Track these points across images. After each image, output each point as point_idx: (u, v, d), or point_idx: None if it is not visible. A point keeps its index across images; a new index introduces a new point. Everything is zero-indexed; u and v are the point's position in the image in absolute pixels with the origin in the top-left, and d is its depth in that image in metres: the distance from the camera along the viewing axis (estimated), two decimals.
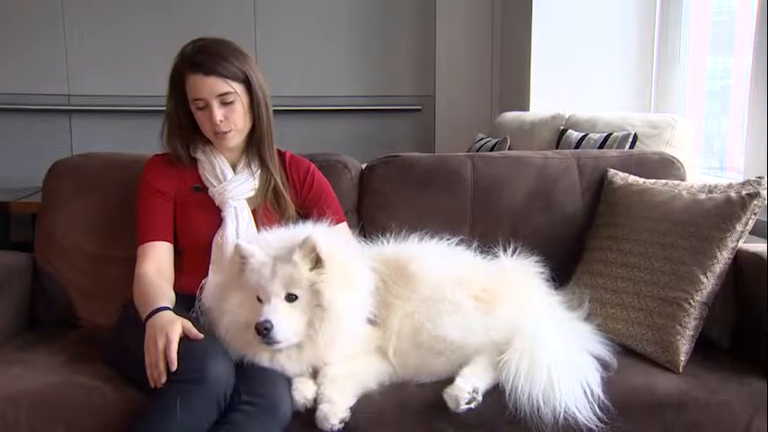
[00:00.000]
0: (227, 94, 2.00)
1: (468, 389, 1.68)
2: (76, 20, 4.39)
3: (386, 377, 1.80)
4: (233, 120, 2.03)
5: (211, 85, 1.99)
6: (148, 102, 4.09)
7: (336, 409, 1.66)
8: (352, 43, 4.63)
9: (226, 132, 2.03)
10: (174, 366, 1.65)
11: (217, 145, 2.09)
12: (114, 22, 4.41)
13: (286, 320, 1.69)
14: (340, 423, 1.66)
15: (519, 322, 1.79)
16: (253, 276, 1.74)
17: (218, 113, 2.00)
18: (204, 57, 2.00)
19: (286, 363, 1.74)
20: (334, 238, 1.86)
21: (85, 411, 1.74)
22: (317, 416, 1.66)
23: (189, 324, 1.74)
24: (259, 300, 1.74)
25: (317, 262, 1.73)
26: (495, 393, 1.69)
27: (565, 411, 1.66)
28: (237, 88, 2.02)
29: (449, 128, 4.56)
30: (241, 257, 1.77)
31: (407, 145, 4.53)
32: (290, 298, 1.72)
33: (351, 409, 1.69)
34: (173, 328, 1.70)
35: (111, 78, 4.41)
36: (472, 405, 1.67)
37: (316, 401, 1.70)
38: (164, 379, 1.65)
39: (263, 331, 1.67)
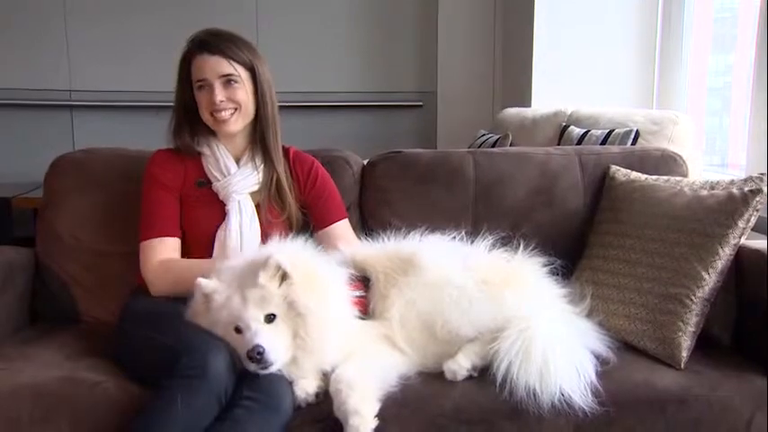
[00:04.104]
0: (230, 75, 2.01)
1: (467, 366, 1.76)
2: (78, 15, 4.38)
3: (405, 369, 1.78)
4: (236, 99, 2.03)
5: (215, 64, 2.00)
6: (150, 97, 4.09)
7: (366, 421, 1.61)
8: (353, 39, 4.62)
9: (231, 114, 2.03)
10: None
11: (216, 130, 2.09)
12: (116, 18, 4.40)
13: (273, 341, 1.66)
14: None
15: (522, 309, 1.81)
16: (223, 311, 1.70)
17: (220, 94, 2.01)
18: (211, 38, 2.03)
19: (293, 374, 1.72)
20: (292, 249, 1.83)
21: (88, 406, 1.74)
22: (348, 431, 1.60)
23: None
24: (237, 331, 1.69)
25: (284, 277, 1.71)
26: (495, 388, 1.69)
27: (560, 393, 1.66)
28: (242, 74, 2.03)
29: (450, 124, 4.56)
30: (204, 296, 1.73)
31: (409, 141, 4.53)
32: (269, 318, 1.68)
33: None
34: None
35: (113, 74, 4.41)
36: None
37: (317, 396, 1.70)
38: None
39: (257, 356, 1.63)
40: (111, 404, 1.74)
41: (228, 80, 2.02)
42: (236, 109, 2.04)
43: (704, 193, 2.01)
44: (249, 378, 1.67)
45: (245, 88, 2.04)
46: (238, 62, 2.02)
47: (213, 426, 1.62)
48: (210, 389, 1.62)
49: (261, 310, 1.68)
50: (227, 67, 2.01)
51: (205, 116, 2.06)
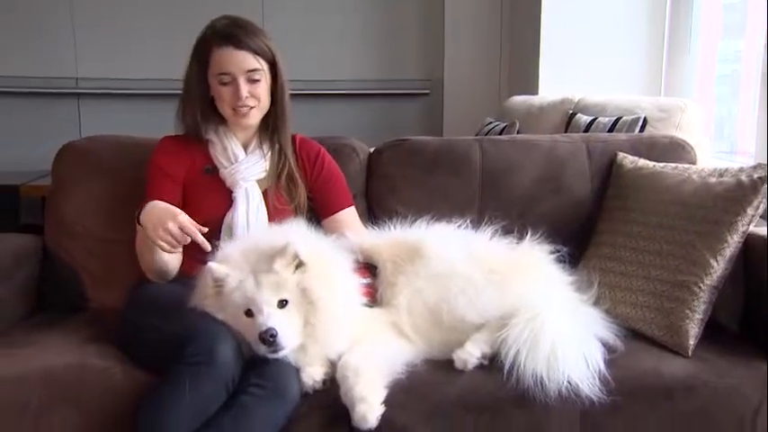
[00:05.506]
0: (255, 70, 2.01)
1: (477, 354, 1.75)
2: (84, 3, 4.38)
3: (411, 356, 1.78)
4: (258, 96, 2.03)
5: (241, 60, 1.99)
6: (157, 85, 4.10)
7: (373, 407, 1.61)
8: (359, 27, 4.61)
9: (250, 108, 2.03)
10: (209, 247, 1.77)
11: (233, 122, 2.09)
12: (122, 5, 4.40)
13: (285, 325, 1.66)
14: (377, 420, 1.62)
15: (529, 297, 1.81)
16: (236, 294, 1.69)
17: (245, 89, 2.01)
18: (237, 30, 2.01)
19: (301, 361, 1.73)
20: (307, 236, 1.83)
21: (96, 392, 1.75)
22: (354, 417, 1.60)
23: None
24: (248, 315, 1.69)
25: (299, 265, 1.71)
26: (501, 375, 1.69)
27: (568, 382, 1.66)
28: (265, 67, 2.03)
29: (457, 112, 4.55)
30: (215, 280, 1.72)
31: (415, 129, 4.52)
32: (282, 304, 1.68)
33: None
34: (175, 212, 1.81)
35: (120, 62, 4.41)
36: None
37: (324, 383, 1.71)
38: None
39: (270, 339, 1.63)
40: (118, 390, 1.75)
41: (253, 75, 2.01)
42: (254, 105, 2.04)
43: (713, 180, 2.00)
44: (256, 365, 1.68)
45: (266, 81, 2.04)
46: (263, 56, 2.02)
47: (220, 413, 1.62)
48: (218, 376, 1.63)
49: (274, 294, 1.68)
50: (253, 62, 2.00)
51: (226, 111, 2.05)
